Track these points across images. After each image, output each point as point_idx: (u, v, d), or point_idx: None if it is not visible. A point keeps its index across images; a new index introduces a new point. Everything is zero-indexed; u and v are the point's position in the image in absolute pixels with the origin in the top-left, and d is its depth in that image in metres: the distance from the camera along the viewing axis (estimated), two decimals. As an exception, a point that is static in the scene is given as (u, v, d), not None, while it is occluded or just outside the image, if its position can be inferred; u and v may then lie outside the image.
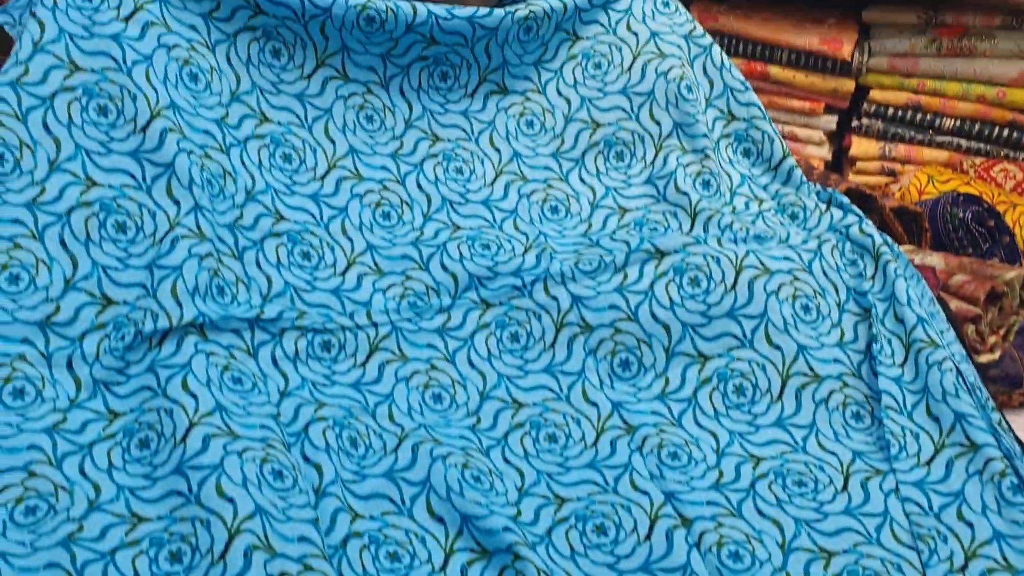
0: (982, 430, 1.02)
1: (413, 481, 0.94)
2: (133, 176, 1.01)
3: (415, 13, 1.17)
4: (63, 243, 0.97)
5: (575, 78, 1.28)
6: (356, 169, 1.18)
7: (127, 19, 1.05)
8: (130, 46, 1.04)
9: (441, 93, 1.25)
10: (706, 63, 1.32)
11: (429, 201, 1.20)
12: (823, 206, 1.24)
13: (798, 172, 1.29)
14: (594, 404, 1.07)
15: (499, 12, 1.22)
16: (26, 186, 0.97)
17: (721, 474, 1.01)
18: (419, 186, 1.20)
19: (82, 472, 0.88)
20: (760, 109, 1.31)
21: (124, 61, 1.03)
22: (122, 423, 0.92)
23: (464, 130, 1.25)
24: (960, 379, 1.06)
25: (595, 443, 1.03)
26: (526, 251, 1.17)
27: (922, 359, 1.08)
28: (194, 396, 0.90)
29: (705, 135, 1.26)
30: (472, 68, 1.26)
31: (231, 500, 0.82)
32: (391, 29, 1.18)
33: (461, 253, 1.15)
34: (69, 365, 0.94)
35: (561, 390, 1.08)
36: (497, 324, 1.12)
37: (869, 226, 1.20)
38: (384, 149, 1.21)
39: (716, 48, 1.33)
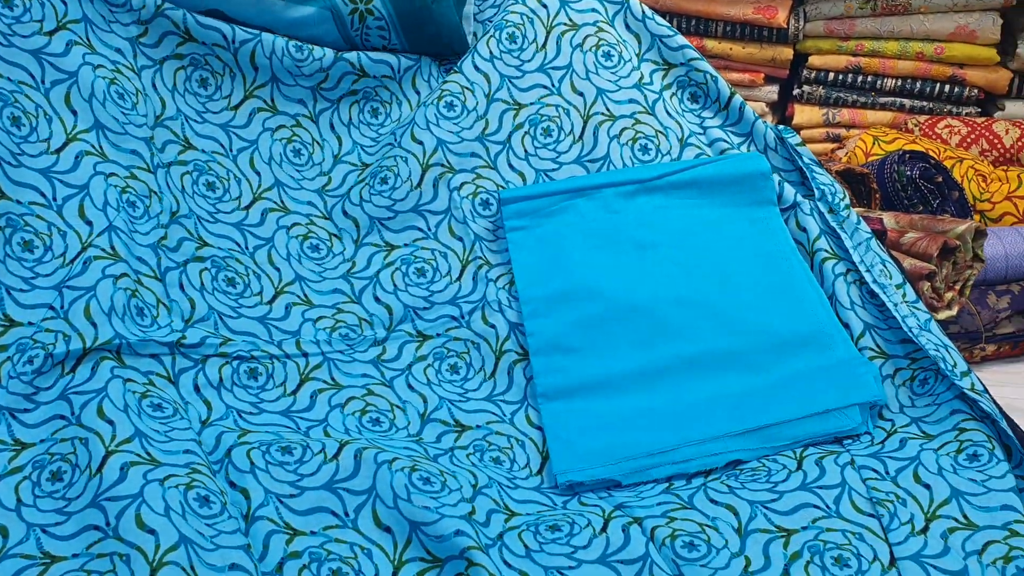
0: (889, 342, 1.04)
1: (357, 491, 0.89)
2: (43, 194, 0.96)
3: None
4: None
5: (491, 51, 1.24)
6: (282, 202, 1.15)
7: (50, 34, 1.00)
8: (50, 63, 0.99)
9: (373, 128, 1.24)
10: (627, 18, 1.29)
11: (357, 226, 1.17)
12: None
13: (749, 110, 1.27)
14: (539, 428, 1.04)
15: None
16: None
17: None
18: (345, 213, 1.18)
19: None
20: (693, 50, 1.28)
21: (42, 80, 0.99)
22: (31, 454, 0.85)
23: (388, 144, 1.22)
24: (866, 289, 1.08)
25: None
26: (463, 268, 1.13)
27: (827, 270, 1.09)
28: (110, 423, 0.84)
29: (631, 100, 1.23)
30: (403, 103, 1.25)
31: (153, 532, 0.76)
32: (320, 57, 1.18)
33: (395, 284, 1.12)
34: None
35: (504, 416, 1.05)
36: (434, 356, 1.08)
37: (806, 215, 1.15)
38: (311, 185, 1.19)
39: (633, 1, 1.29)
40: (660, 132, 1.22)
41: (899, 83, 1.87)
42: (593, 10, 1.27)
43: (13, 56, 0.97)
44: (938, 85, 1.85)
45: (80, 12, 1.04)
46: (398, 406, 1.03)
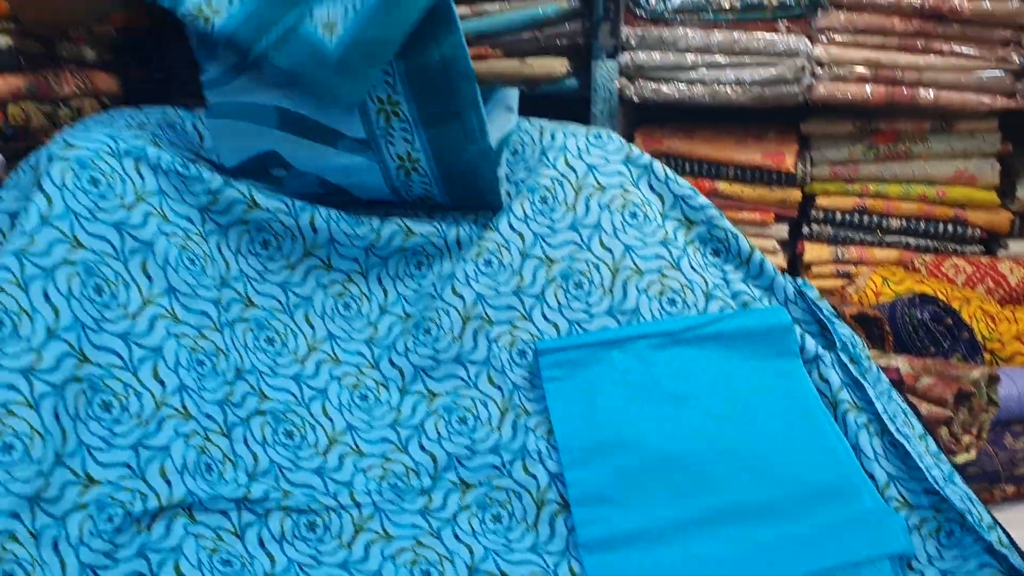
0: (913, 493, 1.11)
1: None
2: (120, 356, 1.02)
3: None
4: (56, 416, 0.97)
5: (524, 212, 1.33)
6: (334, 353, 1.22)
7: (130, 208, 1.09)
8: (130, 233, 1.08)
9: (416, 280, 1.32)
10: (651, 180, 1.38)
11: (403, 375, 1.24)
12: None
13: (769, 265, 1.34)
14: None
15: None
16: (23, 351, 0.97)
17: None
18: (391, 362, 1.24)
19: None
20: (715, 209, 1.36)
21: (122, 250, 1.07)
22: None
23: (430, 295, 1.30)
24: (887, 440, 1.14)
25: None
26: (503, 417, 1.19)
27: (850, 421, 1.16)
28: None
29: (657, 255, 1.31)
30: (445, 256, 1.33)
31: None
32: (371, 221, 1.27)
33: (439, 432, 1.18)
34: (55, 547, 0.93)
35: (547, 567, 1.09)
36: (478, 505, 1.13)
37: (828, 367, 1.23)
38: (359, 335, 1.26)
39: (656, 164, 1.39)
40: (686, 286, 1.30)
41: (904, 223, 1.94)
42: (619, 173, 1.36)
43: (98, 230, 1.06)
44: (941, 225, 1.93)
45: (156, 185, 1.13)
46: (446, 557, 1.07)
